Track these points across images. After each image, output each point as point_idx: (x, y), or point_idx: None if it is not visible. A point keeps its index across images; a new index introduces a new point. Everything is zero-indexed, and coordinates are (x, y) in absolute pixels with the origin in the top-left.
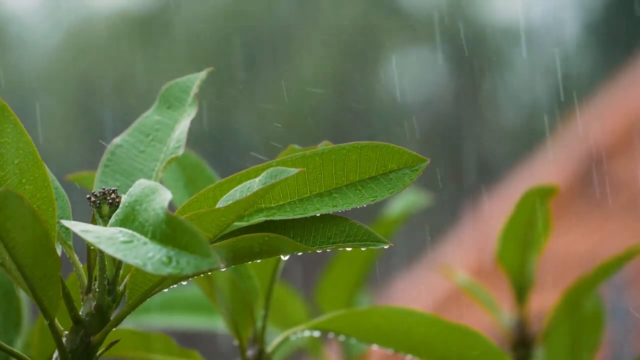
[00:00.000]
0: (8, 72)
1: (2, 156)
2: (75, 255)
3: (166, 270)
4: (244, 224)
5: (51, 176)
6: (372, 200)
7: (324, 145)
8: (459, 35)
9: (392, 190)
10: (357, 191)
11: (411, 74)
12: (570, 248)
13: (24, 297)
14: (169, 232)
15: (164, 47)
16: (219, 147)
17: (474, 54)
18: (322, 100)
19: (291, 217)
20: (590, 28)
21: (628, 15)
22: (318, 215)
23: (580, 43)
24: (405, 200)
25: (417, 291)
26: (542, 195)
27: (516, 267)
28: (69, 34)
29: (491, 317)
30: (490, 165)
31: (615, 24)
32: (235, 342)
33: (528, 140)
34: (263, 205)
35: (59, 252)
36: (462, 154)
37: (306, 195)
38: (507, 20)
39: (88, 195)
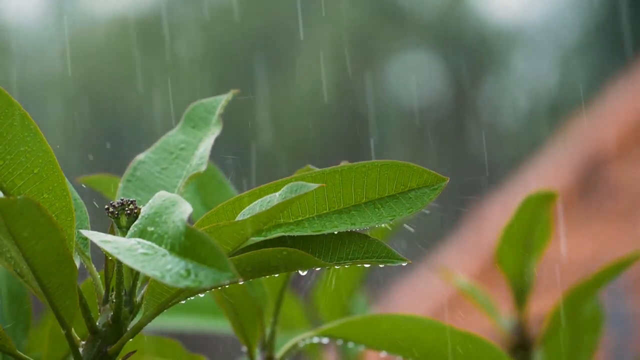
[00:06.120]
0: (11, 78)
1: (22, 165)
2: (93, 266)
3: (184, 283)
4: (262, 238)
5: (70, 187)
6: (391, 220)
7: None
8: (458, 39)
9: (411, 209)
10: (376, 210)
11: (411, 77)
12: (570, 252)
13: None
14: (188, 244)
15: (165, 52)
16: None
17: (474, 57)
18: (322, 105)
19: (309, 233)
20: (591, 32)
21: (629, 19)
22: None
23: (581, 47)
24: None
25: (416, 294)
26: (543, 200)
27: (516, 270)
28: (70, 40)
29: (491, 321)
30: (490, 169)
31: (615, 28)
32: (244, 348)
33: (528, 144)
34: (282, 220)
35: (77, 263)
36: (462, 157)
37: (325, 212)
38: (508, 24)
39: (107, 206)
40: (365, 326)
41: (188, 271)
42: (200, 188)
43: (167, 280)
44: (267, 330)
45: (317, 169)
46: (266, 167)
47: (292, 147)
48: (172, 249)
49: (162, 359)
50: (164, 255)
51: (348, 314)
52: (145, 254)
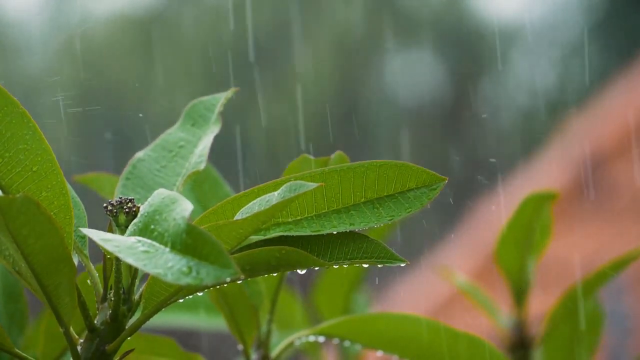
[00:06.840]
0: (10, 75)
1: (21, 162)
2: (91, 265)
3: (186, 280)
4: (260, 237)
5: (68, 185)
6: (390, 220)
7: (337, 156)
8: (457, 37)
9: (410, 209)
10: (375, 209)
11: (410, 75)
12: (569, 251)
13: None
14: (190, 242)
15: (164, 50)
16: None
17: (472, 56)
18: (321, 102)
19: (308, 233)
20: (590, 31)
21: (628, 19)
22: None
23: (580, 46)
24: None
25: (415, 293)
26: (543, 200)
27: (515, 269)
28: (68, 38)
29: (490, 320)
30: (489, 168)
31: (614, 28)
32: (240, 346)
33: (527, 143)
34: (280, 219)
35: (75, 261)
36: (461, 156)
37: (324, 212)
38: (507, 22)
39: (105, 204)
40: (362, 325)
41: (190, 268)
42: (196, 186)
43: (169, 277)
44: (263, 329)
45: (313, 158)
46: (266, 165)
47: (291, 145)
48: (173, 247)
49: (158, 357)
50: (164, 253)
51: (348, 313)
52: (146, 252)
